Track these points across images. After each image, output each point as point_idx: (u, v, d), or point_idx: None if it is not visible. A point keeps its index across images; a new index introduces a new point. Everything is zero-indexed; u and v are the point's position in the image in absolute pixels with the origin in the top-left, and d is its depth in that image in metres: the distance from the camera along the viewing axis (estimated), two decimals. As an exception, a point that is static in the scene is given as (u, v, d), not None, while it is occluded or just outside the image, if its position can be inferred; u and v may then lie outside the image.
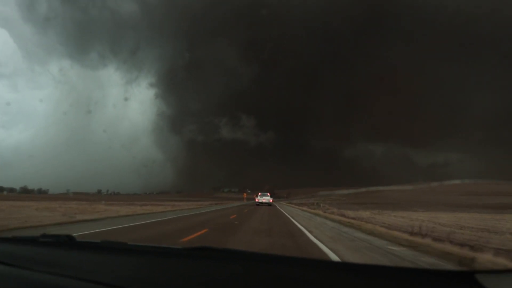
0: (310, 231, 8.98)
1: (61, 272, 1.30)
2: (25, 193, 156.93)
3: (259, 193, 36.46)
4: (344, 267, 1.40)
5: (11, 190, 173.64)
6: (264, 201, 34.59)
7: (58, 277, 1.24)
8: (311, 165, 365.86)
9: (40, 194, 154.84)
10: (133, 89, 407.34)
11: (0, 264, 1.41)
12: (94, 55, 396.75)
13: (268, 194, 36.17)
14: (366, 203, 50.23)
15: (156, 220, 12.74)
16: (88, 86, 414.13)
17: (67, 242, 1.78)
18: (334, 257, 5.14)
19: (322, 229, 9.90)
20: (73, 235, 1.86)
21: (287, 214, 18.48)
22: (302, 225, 11.12)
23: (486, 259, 4.35)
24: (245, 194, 78.94)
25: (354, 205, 44.19)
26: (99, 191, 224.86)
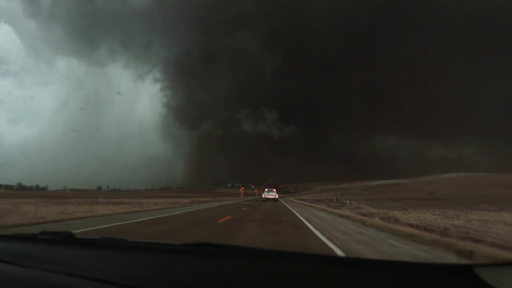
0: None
1: (60, 269, 1.25)
2: (20, 190, 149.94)
3: (266, 189, 37.94)
4: (347, 261, 1.34)
5: (9, 187, 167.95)
6: (270, 197, 35.79)
7: (57, 275, 1.21)
8: (320, 159, 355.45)
9: (37, 191, 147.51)
10: (142, 84, 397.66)
11: None
12: (102, 50, 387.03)
13: (275, 190, 37.46)
14: (402, 198, 38.95)
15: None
16: (96, 82, 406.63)
17: (67, 239, 1.73)
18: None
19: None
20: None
21: (307, 223, 8.84)
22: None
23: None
24: (242, 188, 68.18)
25: (387, 202, 33.04)
26: (99, 188, 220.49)
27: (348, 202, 26.70)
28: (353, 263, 1.19)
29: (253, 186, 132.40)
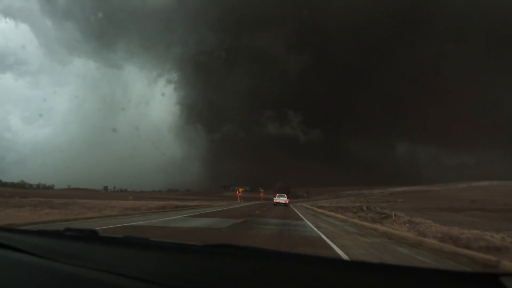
0: None
1: (85, 264, 1.30)
2: (22, 189, 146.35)
3: (277, 194, 41.05)
4: (364, 266, 1.29)
5: (14, 185, 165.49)
6: (281, 201, 38.38)
7: (83, 269, 1.25)
8: (335, 163, 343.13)
9: (39, 190, 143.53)
10: (156, 86, 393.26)
11: (28, 255, 1.44)
12: (118, 50, 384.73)
13: (285, 195, 40.66)
14: (463, 208, 29.51)
15: None
16: (111, 83, 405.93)
17: (91, 236, 1.79)
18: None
19: None
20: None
21: None
22: None
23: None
24: (240, 190, 58.70)
25: (441, 213, 23.95)
26: (106, 188, 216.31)
27: (393, 213, 17.78)
28: (372, 268, 1.15)
29: (262, 190, 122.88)
